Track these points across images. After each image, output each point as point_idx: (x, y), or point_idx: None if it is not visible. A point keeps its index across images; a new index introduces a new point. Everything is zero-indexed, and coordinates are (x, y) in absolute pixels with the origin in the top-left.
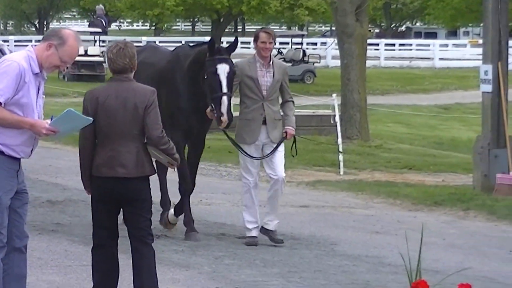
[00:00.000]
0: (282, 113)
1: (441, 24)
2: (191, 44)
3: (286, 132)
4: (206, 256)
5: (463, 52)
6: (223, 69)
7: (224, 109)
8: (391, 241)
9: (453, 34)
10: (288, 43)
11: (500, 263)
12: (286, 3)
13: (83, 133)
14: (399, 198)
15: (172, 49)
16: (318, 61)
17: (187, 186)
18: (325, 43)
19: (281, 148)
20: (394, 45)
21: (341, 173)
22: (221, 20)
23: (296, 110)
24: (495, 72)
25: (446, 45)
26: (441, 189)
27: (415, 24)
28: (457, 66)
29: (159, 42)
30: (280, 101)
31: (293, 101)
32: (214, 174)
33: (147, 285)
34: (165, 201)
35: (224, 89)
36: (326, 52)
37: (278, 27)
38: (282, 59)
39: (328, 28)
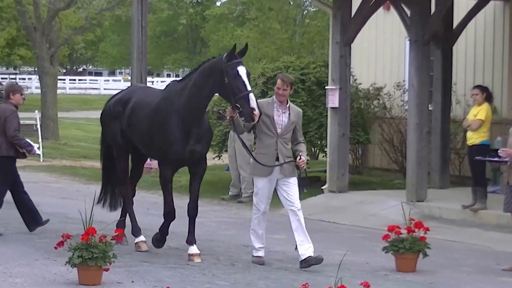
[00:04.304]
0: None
1: (105, 67)
2: (178, 79)
3: (300, 156)
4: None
5: (119, 85)
6: (243, 71)
7: (254, 104)
8: (74, 203)
9: (112, 73)
10: (6, 78)
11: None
12: (5, 52)
13: None
14: (78, 176)
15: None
16: (27, 90)
17: (169, 210)
18: (31, 78)
19: (295, 181)
20: (75, 80)
21: (41, 160)
22: None
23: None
24: None
25: (108, 80)
26: None
27: (89, 66)
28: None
29: None
30: (293, 142)
31: (304, 142)
32: None
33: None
34: (136, 230)
35: (248, 88)
36: (32, 84)
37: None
38: (2, 89)
39: (33, 69)
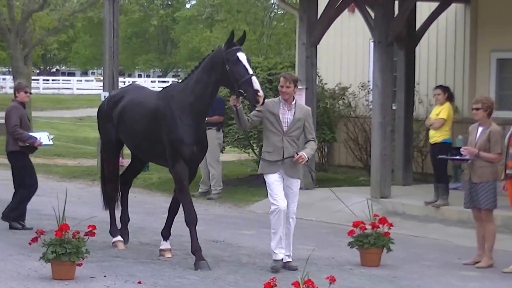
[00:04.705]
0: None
1: (77, 67)
2: (179, 81)
3: (297, 153)
4: None
5: (91, 85)
6: (243, 56)
7: (257, 86)
8: (47, 200)
9: (85, 73)
10: None
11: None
12: None
13: None
14: (52, 174)
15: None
16: (1, 90)
17: (190, 217)
18: (5, 78)
19: (297, 185)
20: (48, 80)
21: None
22: None
23: None
24: None
25: (81, 80)
26: (78, 168)
27: (62, 67)
28: (88, 93)
29: None
30: (304, 140)
31: (315, 141)
32: None
33: None
34: (114, 230)
35: (250, 71)
36: (6, 84)
37: None
38: None
39: (7, 69)
